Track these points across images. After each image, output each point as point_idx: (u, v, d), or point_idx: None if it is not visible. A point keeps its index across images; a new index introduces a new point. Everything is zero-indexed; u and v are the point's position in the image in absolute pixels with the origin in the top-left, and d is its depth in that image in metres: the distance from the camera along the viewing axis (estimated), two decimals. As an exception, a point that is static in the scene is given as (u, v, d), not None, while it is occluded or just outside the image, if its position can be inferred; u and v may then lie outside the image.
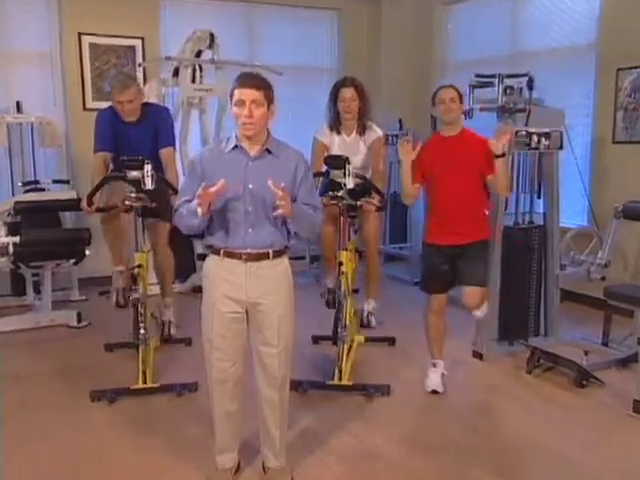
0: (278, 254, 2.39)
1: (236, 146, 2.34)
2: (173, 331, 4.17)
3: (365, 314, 4.34)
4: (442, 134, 3.30)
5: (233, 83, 2.30)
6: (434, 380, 3.42)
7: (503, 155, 3.13)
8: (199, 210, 2.23)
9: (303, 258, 5.91)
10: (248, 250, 2.33)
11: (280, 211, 2.23)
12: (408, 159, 3.23)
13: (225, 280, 2.36)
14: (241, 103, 2.25)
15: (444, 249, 3.30)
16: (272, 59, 5.81)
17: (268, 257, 2.35)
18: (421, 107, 6.44)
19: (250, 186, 2.29)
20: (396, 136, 5.91)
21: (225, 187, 2.21)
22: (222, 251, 2.35)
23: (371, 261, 4.26)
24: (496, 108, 4.01)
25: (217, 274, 2.38)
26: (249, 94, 2.24)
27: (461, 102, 3.23)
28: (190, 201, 2.33)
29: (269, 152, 2.35)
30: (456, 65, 6.17)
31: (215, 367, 2.42)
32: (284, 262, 2.43)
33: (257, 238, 2.33)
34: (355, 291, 3.87)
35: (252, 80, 2.29)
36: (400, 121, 6.06)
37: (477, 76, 4.62)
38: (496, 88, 4.23)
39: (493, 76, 4.32)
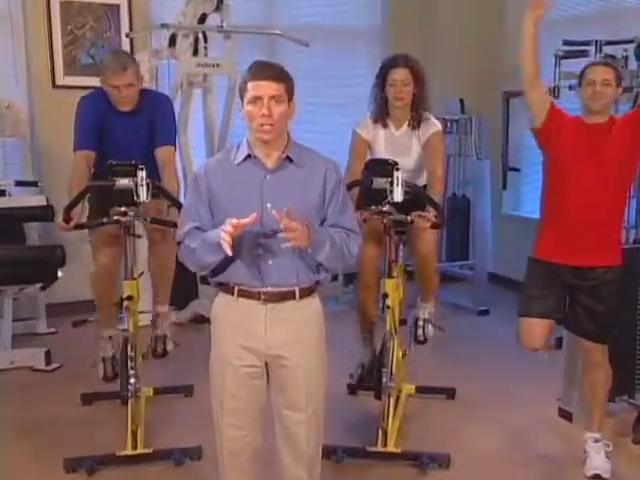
0: (307, 292, 2.43)
1: (249, 155, 2.40)
2: (170, 347, 4.14)
3: (420, 324, 4.09)
4: (584, 120, 3.18)
5: (244, 75, 2.35)
6: (598, 461, 3.27)
7: None
8: (225, 247, 2.23)
9: (335, 279, 5.92)
10: (269, 289, 2.38)
11: (289, 244, 2.26)
12: (536, 14, 3.02)
13: (239, 326, 2.41)
14: (257, 100, 2.30)
15: (561, 270, 3.16)
16: (296, 21, 5.90)
17: (294, 297, 2.40)
18: (489, 84, 6.42)
19: (268, 205, 2.33)
20: (456, 121, 5.94)
21: (254, 220, 2.26)
22: (236, 289, 2.41)
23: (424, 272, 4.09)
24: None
25: (229, 318, 2.44)
26: (267, 88, 2.30)
27: (618, 85, 3.13)
28: (199, 228, 2.40)
29: (290, 161, 2.40)
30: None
31: (226, 435, 2.48)
32: (314, 302, 2.48)
33: (279, 272, 2.38)
34: (402, 322, 3.89)
35: (270, 70, 2.34)
36: (461, 102, 6.07)
37: (565, 43, 4.62)
38: (592, 59, 4.23)
39: (587, 42, 4.34)
